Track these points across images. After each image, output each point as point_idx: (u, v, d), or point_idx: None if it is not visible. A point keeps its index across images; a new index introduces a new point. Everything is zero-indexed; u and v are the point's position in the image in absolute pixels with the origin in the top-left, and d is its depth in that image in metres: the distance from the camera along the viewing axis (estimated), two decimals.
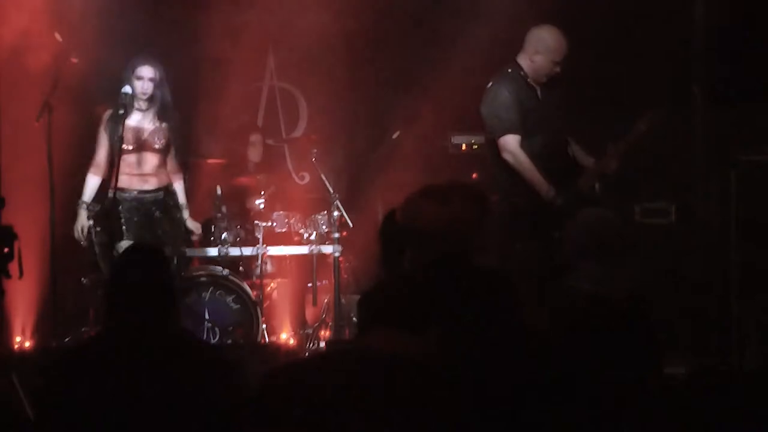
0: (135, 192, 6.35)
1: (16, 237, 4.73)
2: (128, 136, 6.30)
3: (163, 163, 6.48)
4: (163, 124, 6.42)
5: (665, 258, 6.87)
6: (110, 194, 6.21)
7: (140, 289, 3.30)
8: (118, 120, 6.24)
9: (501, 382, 3.08)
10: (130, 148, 6.31)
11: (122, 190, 6.32)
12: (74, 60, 6.48)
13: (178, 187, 6.59)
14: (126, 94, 6.24)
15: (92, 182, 6.45)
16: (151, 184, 6.43)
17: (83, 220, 6.40)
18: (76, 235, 6.40)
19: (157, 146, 6.40)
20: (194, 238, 6.78)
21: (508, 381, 3.11)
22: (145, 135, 6.36)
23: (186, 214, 6.60)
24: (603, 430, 2.99)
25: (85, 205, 6.41)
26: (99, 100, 6.46)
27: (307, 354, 6.61)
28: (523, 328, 3.26)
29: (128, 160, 6.32)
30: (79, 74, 6.64)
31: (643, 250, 6.68)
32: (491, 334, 3.18)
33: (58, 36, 6.50)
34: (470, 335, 3.20)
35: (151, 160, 6.41)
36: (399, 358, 2.75)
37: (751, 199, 6.42)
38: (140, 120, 6.36)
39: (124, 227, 6.30)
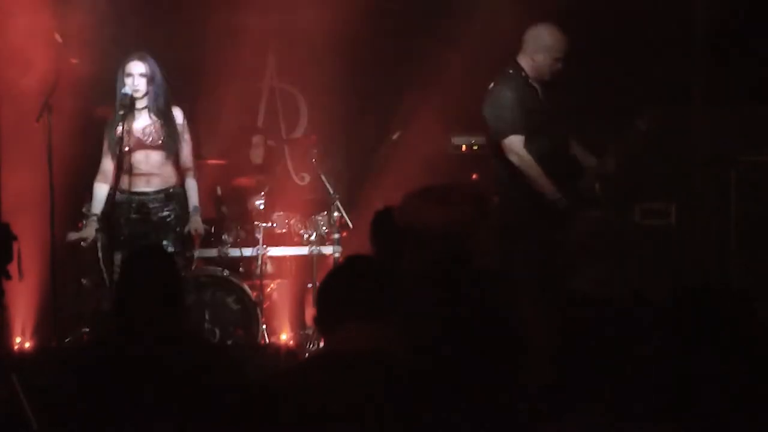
0: (134, 193, 6.17)
1: (15, 238, 4.72)
2: (124, 136, 6.23)
3: (168, 161, 6.31)
4: (159, 121, 6.28)
5: (665, 258, 6.86)
6: (109, 196, 6.16)
7: (146, 290, 3.31)
8: (115, 123, 6.20)
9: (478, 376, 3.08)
10: (126, 148, 6.18)
11: (122, 192, 6.24)
12: (74, 60, 6.48)
13: (189, 185, 6.38)
14: (125, 95, 6.22)
15: (100, 191, 6.28)
16: (153, 184, 6.26)
17: (91, 232, 6.24)
18: (74, 237, 6.29)
19: (153, 144, 6.24)
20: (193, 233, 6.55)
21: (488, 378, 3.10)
22: (140, 134, 6.20)
23: (194, 215, 6.33)
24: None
25: (95, 218, 6.25)
26: (99, 100, 6.46)
27: (307, 354, 6.61)
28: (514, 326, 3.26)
29: (129, 161, 6.20)
30: (79, 74, 6.63)
31: (643, 250, 6.67)
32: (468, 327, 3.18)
33: (58, 36, 6.49)
34: (435, 321, 3.20)
35: (152, 158, 6.25)
36: (363, 356, 2.74)
37: (751, 199, 6.42)
38: (135, 118, 6.20)
39: (120, 236, 6.15)
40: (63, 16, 6.92)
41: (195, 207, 6.36)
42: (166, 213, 6.29)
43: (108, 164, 6.27)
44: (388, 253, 3.88)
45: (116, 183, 6.15)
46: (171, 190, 6.33)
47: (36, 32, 6.77)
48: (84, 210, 6.45)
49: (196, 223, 6.34)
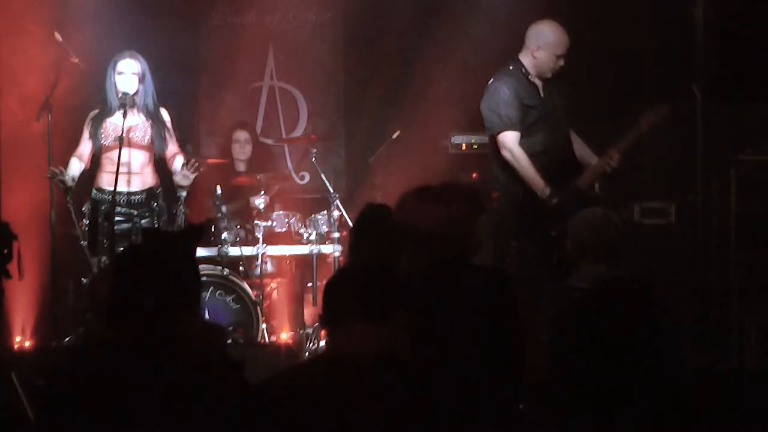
0: (115, 193, 6.07)
1: (15, 237, 4.72)
2: (109, 131, 6.23)
3: (150, 163, 6.36)
4: (148, 121, 6.29)
5: (665, 258, 6.86)
6: (92, 194, 6.26)
7: (143, 290, 3.29)
8: (102, 117, 6.21)
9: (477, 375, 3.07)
10: (108, 143, 6.21)
11: (102, 191, 6.27)
12: (74, 60, 6.47)
13: (177, 161, 6.38)
14: (126, 94, 6.21)
15: (74, 163, 6.28)
16: (135, 184, 6.28)
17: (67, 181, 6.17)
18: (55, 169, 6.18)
19: (140, 143, 6.26)
20: (179, 178, 6.38)
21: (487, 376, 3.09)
22: (128, 131, 6.17)
23: (178, 176, 6.31)
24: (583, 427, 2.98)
25: (70, 176, 6.20)
26: (99, 100, 6.45)
27: (306, 354, 6.61)
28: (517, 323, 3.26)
29: (111, 157, 6.21)
30: (79, 74, 6.63)
31: (643, 250, 6.67)
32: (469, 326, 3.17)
33: (58, 36, 6.49)
34: (439, 322, 3.19)
35: (136, 157, 6.26)
36: (366, 357, 2.74)
37: (751, 199, 6.42)
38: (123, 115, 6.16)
39: (100, 237, 6.16)
40: (63, 16, 6.92)
41: (177, 169, 6.33)
42: (147, 214, 6.31)
43: (86, 148, 6.32)
44: (374, 250, 3.88)
45: (96, 182, 6.17)
46: (151, 191, 6.35)
47: (36, 31, 6.78)
48: (68, 179, 6.25)
49: (181, 176, 6.30)
